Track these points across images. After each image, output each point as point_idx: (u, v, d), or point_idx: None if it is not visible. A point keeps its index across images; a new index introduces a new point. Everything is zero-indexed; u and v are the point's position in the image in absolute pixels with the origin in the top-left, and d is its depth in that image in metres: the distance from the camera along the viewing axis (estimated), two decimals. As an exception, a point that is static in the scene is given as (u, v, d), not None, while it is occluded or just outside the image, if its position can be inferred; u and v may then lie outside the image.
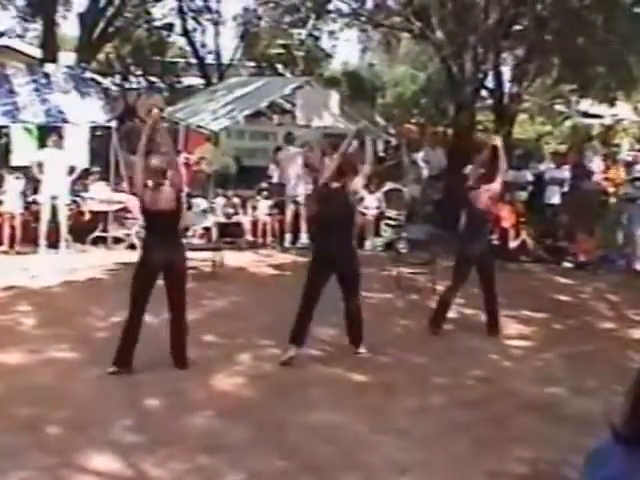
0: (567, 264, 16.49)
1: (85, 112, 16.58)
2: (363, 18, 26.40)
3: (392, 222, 17.87)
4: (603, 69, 23.68)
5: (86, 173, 16.63)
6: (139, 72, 32.65)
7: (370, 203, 17.74)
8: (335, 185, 9.32)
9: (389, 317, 10.91)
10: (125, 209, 16.34)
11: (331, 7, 26.13)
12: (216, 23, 32.06)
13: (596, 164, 22.86)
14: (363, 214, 17.35)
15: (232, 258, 14.99)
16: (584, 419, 7.62)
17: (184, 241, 13.30)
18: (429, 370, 9.42)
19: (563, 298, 13.79)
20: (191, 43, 32.13)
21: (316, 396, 8.37)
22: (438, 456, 7.05)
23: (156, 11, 31.47)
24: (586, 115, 34.36)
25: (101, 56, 30.11)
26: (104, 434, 7.13)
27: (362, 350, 9.69)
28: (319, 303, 9.38)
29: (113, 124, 16.79)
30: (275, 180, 18.21)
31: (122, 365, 8.67)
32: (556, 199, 18.36)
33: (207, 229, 16.54)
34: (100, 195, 16.43)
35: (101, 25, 25.31)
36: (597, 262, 16.43)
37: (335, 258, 9.34)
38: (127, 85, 31.87)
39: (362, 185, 10.11)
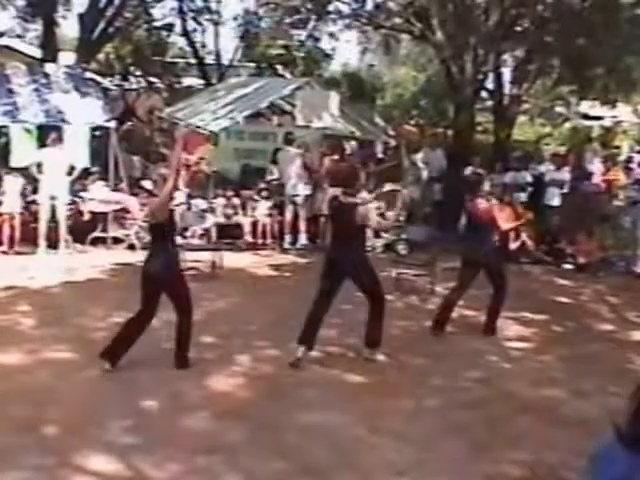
0: (567, 266, 16.48)
1: (85, 112, 16.57)
2: (363, 19, 26.40)
3: (392, 223, 17.87)
4: (603, 70, 23.70)
5: (85, 173, 16.62)
6: (139, 72, 32.63)
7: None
8: (347, 200, 9.32)
9: (388, 318, 10.84)
10: (124, 209, 16.33)
11: (331, 8, 26.13)
12: (216, 23, 32.07)
13: (596, 166, 22.86)
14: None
15: (231, 259, 14.99)
16: (582, 421, 7.62)
17: (183, 242, 13.40)
18: (427, 371, 9.42)
19: (563, 300, 13.78)
20: (191, 43, 32.14)
21: (314, 397, 8.36)
22: (435, 458, 7.04)
23: (156, 11, 31.51)
24: (586, 117, 34.37)
25: (101, 56, 30.12)
26: (102, 435, 7.14)
27: (371, 355, 9.64)
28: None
29: (112, 124, 16.79)
30: (274, 181, 18.20)
31: (114, 361, 8.76)
32: (556, 201, 18.34)
33: (206, 230, 16.55)
34: (99, 195, 16.42)
35: (101, 25, 25.26)
36: (597, 264, 16.41)
37: (337, 262, 9.37)
38: (127, 85, 31.85)
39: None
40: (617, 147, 31.15)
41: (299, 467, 6.70)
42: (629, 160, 21.31)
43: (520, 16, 21.68)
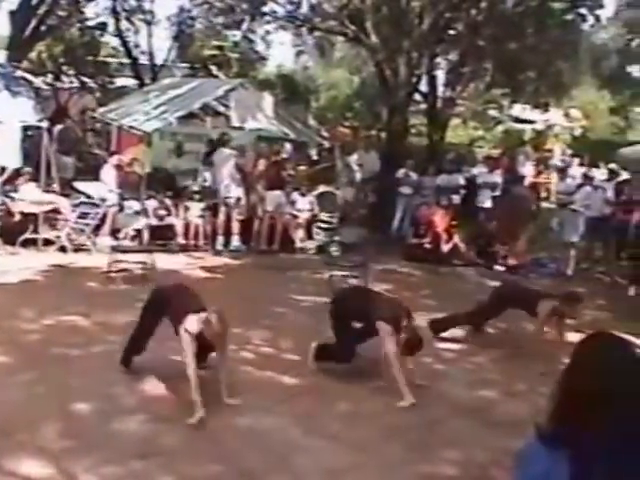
0: (499, 267, 16.64)
1: (16, 111, 16.32)
2: (298, 21, 26.46)
3: (325, 225, 17.90)
4: (534, 74, 24.12)
5: (16, 174, 16.36)
6: (71, 72, 32.29)
7: (303, 205, 17.76)
8: None
9: (322, 320, 10.90)
10: (56, 210, 16.09)
11: (266, 9, 26.13)
12: (149, 23, 31.90)
13: (528, 169, 23.20)
14: (295, 217, 17.38)
15: (164, 260, 14.85)
16: (514, 422, 7.70)
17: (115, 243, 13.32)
18: (362, 374, 9.43)
19: (495, 301, 13.88)
20: (124, 43, 31.91)
21: (248, 400, 8.33)
22: (370, 460, 7.08)
23: (89, 10, 31.29)
24: (518, 120, 34.88)
25: (33, 55, 29.74)
26: (34, 439, 7.03)
27: None
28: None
29: (44, 124, 16.56)
30: (207, 182, 18.09)
31: None
32: (488, 203, 18.56)
33: (138, 231, 16.40)
34: (30, 196, 16.16)
35: (33, 23, 24.99)
36: (528, 266, 16.60)
37: None
38: (59, 85, 31.47)
39: None
40: (549, 150, 31.67)
41: (235, 471, 6.70)
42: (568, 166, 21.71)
43: (454, 20, 21.90)
